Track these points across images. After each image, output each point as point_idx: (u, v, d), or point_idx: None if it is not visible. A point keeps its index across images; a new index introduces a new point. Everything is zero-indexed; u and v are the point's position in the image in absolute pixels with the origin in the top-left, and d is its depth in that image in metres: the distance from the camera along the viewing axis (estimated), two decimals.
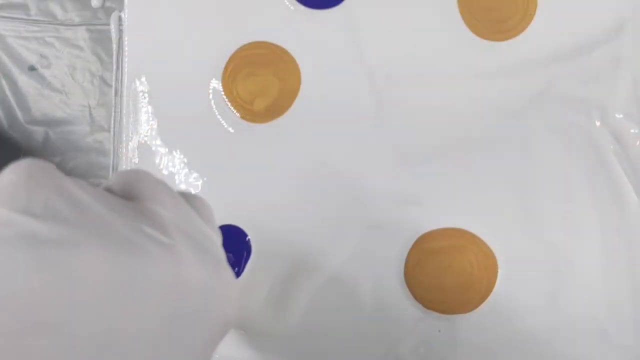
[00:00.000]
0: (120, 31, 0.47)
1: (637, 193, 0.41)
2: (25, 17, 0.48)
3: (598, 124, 0.42)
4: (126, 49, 0.46)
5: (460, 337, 0.43)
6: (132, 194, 0.22)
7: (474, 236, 0.43)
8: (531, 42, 0.42)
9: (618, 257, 0.41)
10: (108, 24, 0.47)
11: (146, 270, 0.18)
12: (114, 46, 0.47)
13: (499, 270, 0.42)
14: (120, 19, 0.47)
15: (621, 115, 0.41)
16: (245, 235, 0.44)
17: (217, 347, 0.23)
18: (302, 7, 0.45)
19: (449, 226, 0.43)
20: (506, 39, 0.43)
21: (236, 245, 0.44)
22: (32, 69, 0.48)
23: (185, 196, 0.25)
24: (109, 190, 0.22)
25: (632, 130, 0.41)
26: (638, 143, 0.41)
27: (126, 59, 0.46)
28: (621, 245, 0.41)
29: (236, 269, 0.45)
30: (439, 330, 0.43)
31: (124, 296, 0.17)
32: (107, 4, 0.48)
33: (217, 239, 0.24)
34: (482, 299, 0.43)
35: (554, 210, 0.42)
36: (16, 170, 0.18)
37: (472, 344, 0.43)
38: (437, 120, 0.43)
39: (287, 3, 0.45)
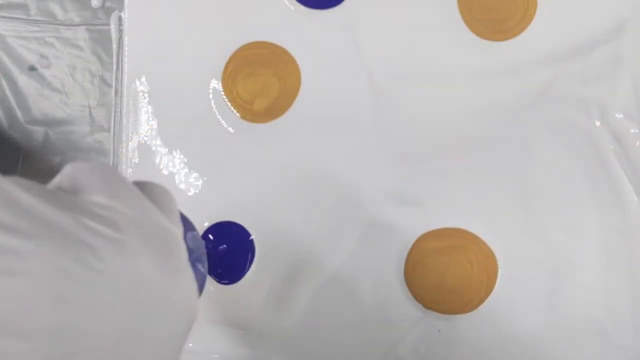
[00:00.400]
0: (120, 31, 0.47)
1: (637, 193, 0.41)
2: (25, 17, 0.48)
3: (598, 124, 0.42)
4: (126, 49, 0.46)
5: (460, 337, 0.43)
6: (80, 189, 0.21)
7: (474, 236, 0.43)
8: (531, 42, 0.42)
9: (618, 257, 0.41)
10: (108, 24, 0.47)
11: (92, 266, 0.18)
12: (114, 46, 0.47)
13: (499, 270, 0.42)
14: (120, 19, 0.47)
15: (621, 115, 0.41)
16: (248, 234, 0.44)
17: (184, 343, 0.22)
18: (302, 7, 0.45)
19: (449, 226, 0.43)
20: (506, 39, 0.43)
21: (240, 244, 0.44)
22: (32, 69, 0.48)
23: (143, 185, 0.24)
24: (57, 187, 0.22)
25: (632, 130, 0.41)
26: (638, 143, 0.41)
27: (126, 59, 0.46)
28: (621, 245, 0.41)
29: (240, 270, 0.45)
30: (439, 331, 0.43)
31: (73, 294, 0.17)
32: (107, 4, 0.48)
33: (177, 231, 0.23)
34: (482, 299, 0.43)
35: (554, 210, 0.42)
36: None
37: (472, 344, 0.43)
38: (437, 120, 0.43)
39: (287, 3, 0.45)
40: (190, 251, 0.27)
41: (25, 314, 0.16)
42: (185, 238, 0.27)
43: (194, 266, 0.27)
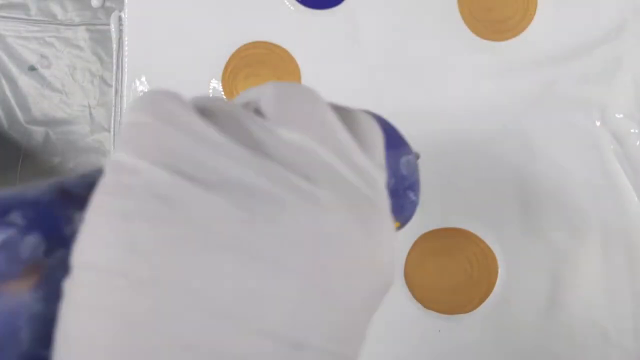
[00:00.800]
0: (120, 31, 0.47)
1: (637, 193, 0.41)
2: (25, 17, 0.48)
3: (598, 123, 0.42)
4: (126, 49, 0.46)
5: (460, 337, 0.43)
6: (274, 115, 0.18)
7: (474, 236, 0.43)
8: (531, 42, 0.42)
9: (618, 257, 0.41)
10: (108, 24, 0.47)
11: (279, 226, 0.16)
12: (114, 46, 0.47)
13: (499, 270, 0.42)
14: (120, 19, 0.47)
15: (621, 115, 0.41)
16: None
17: (376, 311, 0.19)
18: (302, 7, 0.45)
19: (449, 226, 0.43)
20: (506, 39, 0.43)
21: None
22: (32, 69, 0.48)
23: (344, 112, 0.20)
24: (250, 106, 0.19)
25: (632, 130, 0.41)
26: (638, 143, 0.41)
27: (126, 59, 0.46)
28: (621, 245, 0.41)
29: None
30: (439, 330, 0.43)
31: (257, 252, 0.16)
32: (107, 4, 0.48)
33: (379, 174, 0.19)
34: (482, 299, 0.43)
35: (554, 210, 0.42)
36: (143, 108, 0.17)
37: (472, 344, 0.43)
38: (437, 120, 0.43)
39: (287, 3, 0.45)
40: (403, 178, 0.25)
41: (201, 271, 0.15)
42: (398, 164, 0.24)
43: (404, 195, 0.25)
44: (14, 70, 0.48)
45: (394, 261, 0.19)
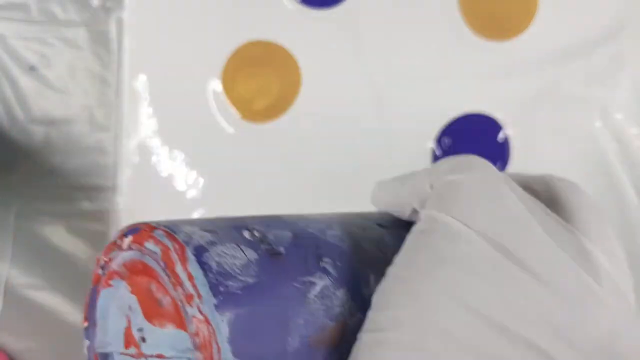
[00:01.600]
0: (120, 31, 0.47)
1: (638, 193, 0.41)
2: (25, 17, 0.48)
3: (598, 124, 0.42)
4: (126, 49, 0.46)
5: None
6: (559, 208, 0.18)
7: None
8: (531, 42, 0.42)
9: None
10: (108, 24, 0.47)
11: (579, 327, 0.15)
12: (114, 46, 0.47)
13: None
14: (120, 19, 0.47)
15: (621, 116, 0.41)
16: None
17: None
18: (302, 7, 0.45)
19: None
20: (507, 39, 0.43)
21: None
22: (32, 69, 0.48)
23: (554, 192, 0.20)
24: (530, 189, 0.18)
25: (632, 131, 0.41)
26: (638, 143, 0.41)
27: (126, 59, 0.46)
28: (621, 245, 0.41)
29: None
30: None
31: None
32: (107, 4, 0.48)
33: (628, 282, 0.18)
34: None
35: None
36: (467, 169, 0.16)
37: None
38: (437, 119, 0.43)
39: (287, 3, 0.45)
40: None
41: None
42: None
43: None
44: (14, 70, 0.48)
45: None
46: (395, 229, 0.19)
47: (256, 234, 0.17)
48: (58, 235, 0.46)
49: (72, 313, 0.44)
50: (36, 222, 0.46)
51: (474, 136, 0.43)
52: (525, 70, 0.42)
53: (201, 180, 0.45)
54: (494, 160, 0.42)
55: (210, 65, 0.45)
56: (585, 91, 0.42)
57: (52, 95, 0.48)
